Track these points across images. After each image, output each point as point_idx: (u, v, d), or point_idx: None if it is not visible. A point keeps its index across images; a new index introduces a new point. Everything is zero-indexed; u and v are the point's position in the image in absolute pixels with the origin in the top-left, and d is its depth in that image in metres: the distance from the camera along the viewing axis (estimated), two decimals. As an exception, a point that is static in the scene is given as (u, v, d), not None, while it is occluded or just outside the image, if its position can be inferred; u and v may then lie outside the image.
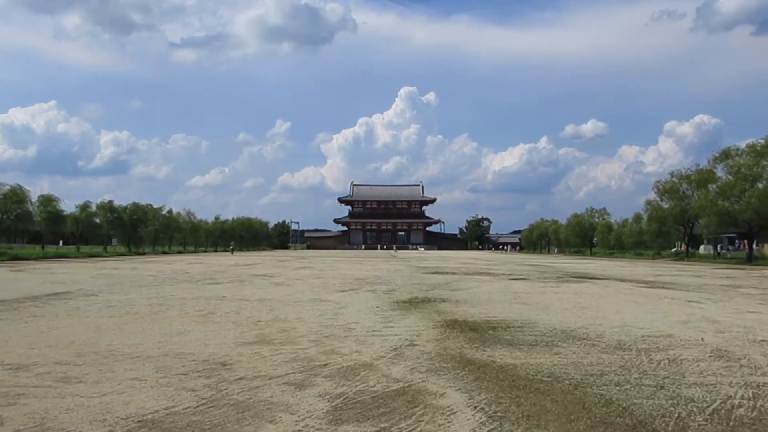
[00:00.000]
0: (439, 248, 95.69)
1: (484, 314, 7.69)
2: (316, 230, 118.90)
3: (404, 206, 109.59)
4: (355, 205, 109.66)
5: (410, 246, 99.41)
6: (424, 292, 11.20)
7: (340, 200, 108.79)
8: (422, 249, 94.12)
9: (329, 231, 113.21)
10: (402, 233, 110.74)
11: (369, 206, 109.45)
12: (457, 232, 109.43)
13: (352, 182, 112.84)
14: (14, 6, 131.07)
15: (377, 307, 8.50)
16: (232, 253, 46.63)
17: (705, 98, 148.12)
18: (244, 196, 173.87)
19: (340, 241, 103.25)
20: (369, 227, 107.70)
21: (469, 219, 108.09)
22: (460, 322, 6.96)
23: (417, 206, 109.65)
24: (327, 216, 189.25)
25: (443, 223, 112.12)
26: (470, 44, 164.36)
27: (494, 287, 12.58)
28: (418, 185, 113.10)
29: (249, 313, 7.62)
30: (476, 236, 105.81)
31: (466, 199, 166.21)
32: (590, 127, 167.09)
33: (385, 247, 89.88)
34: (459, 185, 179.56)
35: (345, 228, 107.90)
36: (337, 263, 27.04)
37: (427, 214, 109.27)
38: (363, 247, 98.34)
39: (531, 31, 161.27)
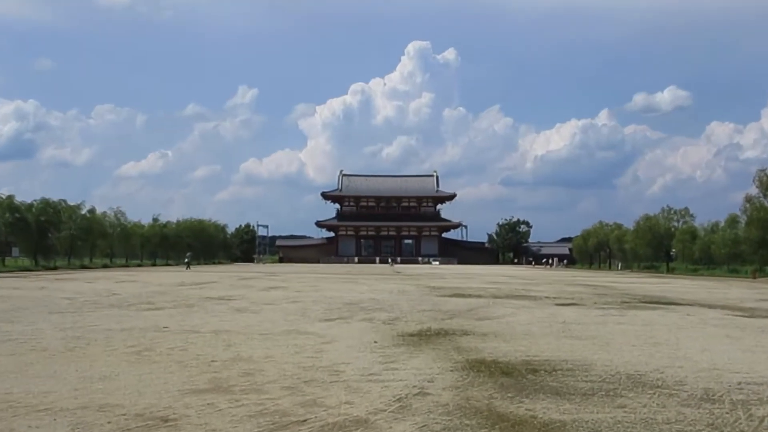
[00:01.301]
0: (460, 262, 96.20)
1: (521, 352, 7.75)
2: (291, 237, 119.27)
3: (412, 204, 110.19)
4: (346, 203, 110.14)
5: (420, 259, 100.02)
6: (440, 321, 11.27)
7: (325, 196, 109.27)
8: (437, 263, 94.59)
9: (310, 238, 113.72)
10: (409, 241, 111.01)
11: (364, 204, 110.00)
12: (484, 239, 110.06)
13: (341, 172, 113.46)
14: None
15: (375, 342, 8.56)
16: (188, 268, 46.73)
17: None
18: (195, 190, 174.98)
19: (325, 251, 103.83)
20: (364, 233, 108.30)
21: (502, 222, 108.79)
22: (489, 362, 7.00)
23: (430, 204, 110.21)
24: (307, 218, 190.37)
25: (465, 227, 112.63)
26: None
27: (535, 315, 12.62)
28: (432, 176, 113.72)
29: (200, 350, 7.68)
30: (511, 246, 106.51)
31: (497, 195, 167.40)
32: (668, 96, 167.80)
33: (389, 260, 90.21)
34: (488, 176, 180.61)
35: (331, 234, 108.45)
36: (320, 282, 27.40)
37: (443, 215, 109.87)
38: (356, 260, 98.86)
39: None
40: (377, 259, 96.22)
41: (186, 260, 50.25)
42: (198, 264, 49.83)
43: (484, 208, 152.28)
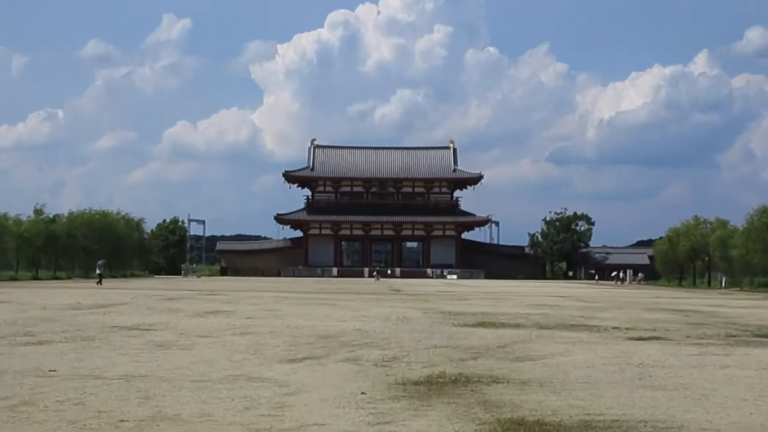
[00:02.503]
0: (489, 275, 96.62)
1: (578, 409, 7.78)
2: (239, 238, 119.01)
3: (419, 190, 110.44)
4: (320, 188, 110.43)
5: (430, 270, 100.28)
6: (458, 363, 11.31)
7: (290, 177, 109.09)
8: (454, 276, 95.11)
9: (266, 240, 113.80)
10: (413, 245, 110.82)
11: (347, 191, 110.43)
12: (524, 242, 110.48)
13: (313, 142, 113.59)
14: None
15: (362, 393, 8.58)
16: (99, 283, 47.13)
17: None
18: (97, 168, 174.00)
19: (289, 259, 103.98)
20: (347, 232, 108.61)
21: (550, 218, 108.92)
22: (531, 424, 7.03)
23: (445, 190, 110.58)
24: (262, 209, 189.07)
25: (497, 224, 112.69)
26: None
27: (599, 354, 12.69)
28: (447, 148, 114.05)
29: (103, 404, 7.67)
30: (563, 252, 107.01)
31: (543, 177, 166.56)
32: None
33: (375, 273, 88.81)
34: (530, 149, 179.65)
35: (298, 234, 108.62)
36: (281, 304, 27.58)
37: (463, 206, 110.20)
38: (335, 271, 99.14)
39: None
40: (366, 270, 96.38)
41: (98, 271, 50.57)
42: (102, 277, 49.68)
43: (525, 196, 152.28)
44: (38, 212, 68.34)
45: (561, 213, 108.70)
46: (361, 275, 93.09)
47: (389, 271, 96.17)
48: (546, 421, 7.13)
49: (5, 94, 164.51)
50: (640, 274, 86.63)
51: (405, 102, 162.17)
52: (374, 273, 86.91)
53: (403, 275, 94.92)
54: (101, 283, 46.72)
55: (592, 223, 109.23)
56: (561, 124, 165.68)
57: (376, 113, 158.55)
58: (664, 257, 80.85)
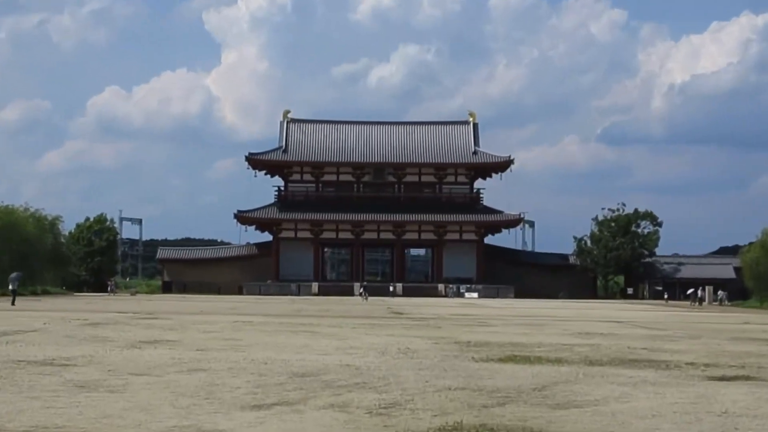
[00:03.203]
0: (522, 292, 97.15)
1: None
2: (188, 243, 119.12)
3: (427, 179, 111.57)
4: (295, 175, 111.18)
5: (442, 286, 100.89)
6: (479, 411, 11.32)
7: (255, 161, 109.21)
8: (474, 294, 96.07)
9: (225, 246, 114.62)
10: (420, 252, 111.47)
11: (332, 179, 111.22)
12: (568, 250, 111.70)
13: (286, 114, 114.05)
14: None
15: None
16: (13, 303, 47.58)
17: None
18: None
19: (254, 271, 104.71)
20: (331, 235, 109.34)
21: (603, 217, 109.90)
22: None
23: (461, 178, 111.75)
24: (219, 205, 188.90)
25: (530, 225, 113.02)
26: None
27: (667, 400, 12.70)
28: (467, 123, 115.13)
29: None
30: (620, 263, 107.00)
31: (592, 160, 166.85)
32: None
33: (362, 290, 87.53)
34: (575, 124, 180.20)
35: (267, 237, 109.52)
36: (244, 331, 27.64)
37: (487, 201, 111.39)
38: (315, 287, 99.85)
39: None
40: (356, 286, 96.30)
41: (11, 287, 51.23)
42: (17, 294, 50.05)
43: (569, 187, 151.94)
44: None
45: (617, 210, 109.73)
46: (350, 292, 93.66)
47: (391, 288, 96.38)
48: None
49: None
50: (721, 292, 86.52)
51: (410, 61, 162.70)
52: (361, 290, 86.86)
53: (407, 293, 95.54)
54: (15, 303, 46.88)
55: (659, 224, 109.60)
56: (617, 92, 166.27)
57: (371, 76, 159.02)
58: (756, 269, 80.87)
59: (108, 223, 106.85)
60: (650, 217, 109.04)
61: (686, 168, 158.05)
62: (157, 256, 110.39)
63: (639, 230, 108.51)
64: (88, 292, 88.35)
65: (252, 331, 28.13)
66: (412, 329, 30.73)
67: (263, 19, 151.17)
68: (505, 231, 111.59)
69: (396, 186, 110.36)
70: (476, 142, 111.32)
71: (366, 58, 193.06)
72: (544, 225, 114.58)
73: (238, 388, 13.21)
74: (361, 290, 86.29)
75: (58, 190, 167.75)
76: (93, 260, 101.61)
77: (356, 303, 66.86)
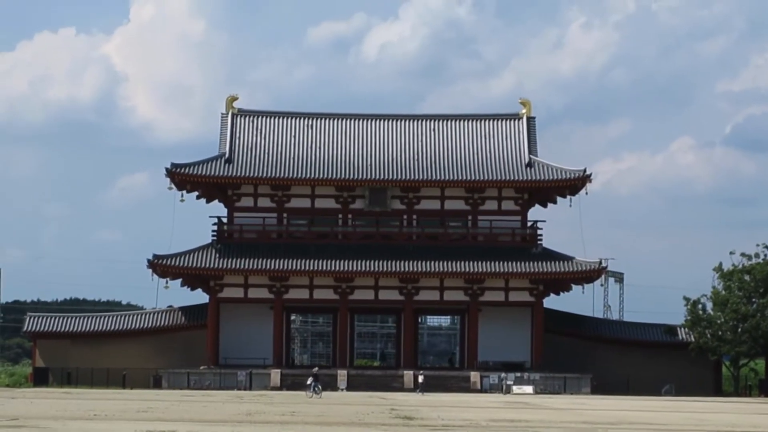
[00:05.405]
0: (601, 385, 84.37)
1: None
2: (74, 305, 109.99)
3: (454, 205, 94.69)
4: (245, 199, 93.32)
5: (477, 376, 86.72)
6: None
7: (181, 177, 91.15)
8: (528, 389, 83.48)
9: (133, 310, 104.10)
10: (443, 321, 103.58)
11: (302, 205, 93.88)
12: (678, 319, 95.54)
13: (231, 102, 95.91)
14: None
15: None
16: None
17: None
18: None
19: (179, 350, 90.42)
20: (301, 293, 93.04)
21: (734, 266, 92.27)
22: None
23: (508, 204, 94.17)
24: (124, 246, 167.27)
25: (617, 279, 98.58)
26: None
27: None
28: (517, 117, 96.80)
29: None
30: (761, 339, 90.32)
31: (717, 173, 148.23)
32: None
33: (391, 377, 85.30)
34: (691, 118, 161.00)
35: (201, 296, 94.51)
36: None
37: (546, 242, 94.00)
38: (276, 376, 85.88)
39: None
40: (341, 375, 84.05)
41: None
42: None
43: (678, 218, 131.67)
44: None
45: (756, 256, 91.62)
46: (332, 384, 79.53)
47: (407, 379, 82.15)
48: None
49: None
50: None
51: (430, 18, 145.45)
52: (310, 379, 71.51)
53: (422, 385, 79.29)
54: None
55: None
56: (759, 68, 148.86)
57: (369, 42, 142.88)
58: None
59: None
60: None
61: None
62: (25, 328, 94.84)
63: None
64: None
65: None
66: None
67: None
68: (576, 288, 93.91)
69: (405, 217, 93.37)
70: (532, 148, 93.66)
71: (362, 13, 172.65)
72: (637, 279, 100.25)
73: None
74: (311, 380, 71.29)
75: None
76: None
77: (348, 402, 55.84)
